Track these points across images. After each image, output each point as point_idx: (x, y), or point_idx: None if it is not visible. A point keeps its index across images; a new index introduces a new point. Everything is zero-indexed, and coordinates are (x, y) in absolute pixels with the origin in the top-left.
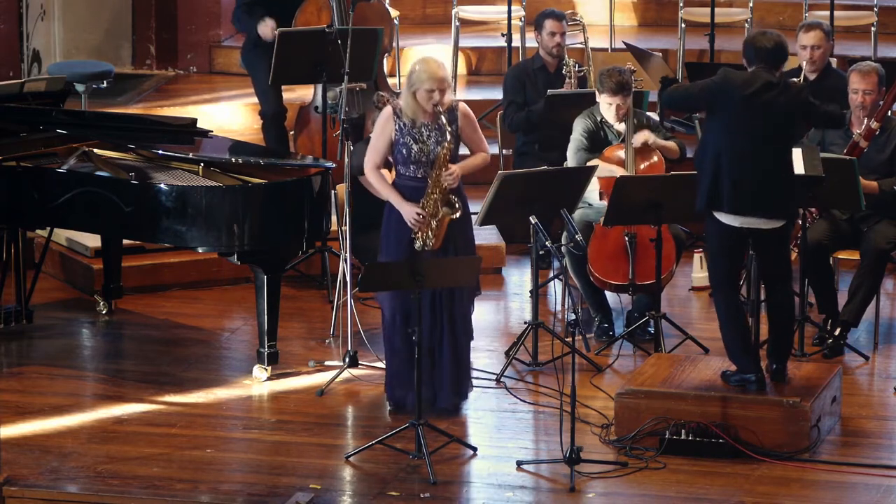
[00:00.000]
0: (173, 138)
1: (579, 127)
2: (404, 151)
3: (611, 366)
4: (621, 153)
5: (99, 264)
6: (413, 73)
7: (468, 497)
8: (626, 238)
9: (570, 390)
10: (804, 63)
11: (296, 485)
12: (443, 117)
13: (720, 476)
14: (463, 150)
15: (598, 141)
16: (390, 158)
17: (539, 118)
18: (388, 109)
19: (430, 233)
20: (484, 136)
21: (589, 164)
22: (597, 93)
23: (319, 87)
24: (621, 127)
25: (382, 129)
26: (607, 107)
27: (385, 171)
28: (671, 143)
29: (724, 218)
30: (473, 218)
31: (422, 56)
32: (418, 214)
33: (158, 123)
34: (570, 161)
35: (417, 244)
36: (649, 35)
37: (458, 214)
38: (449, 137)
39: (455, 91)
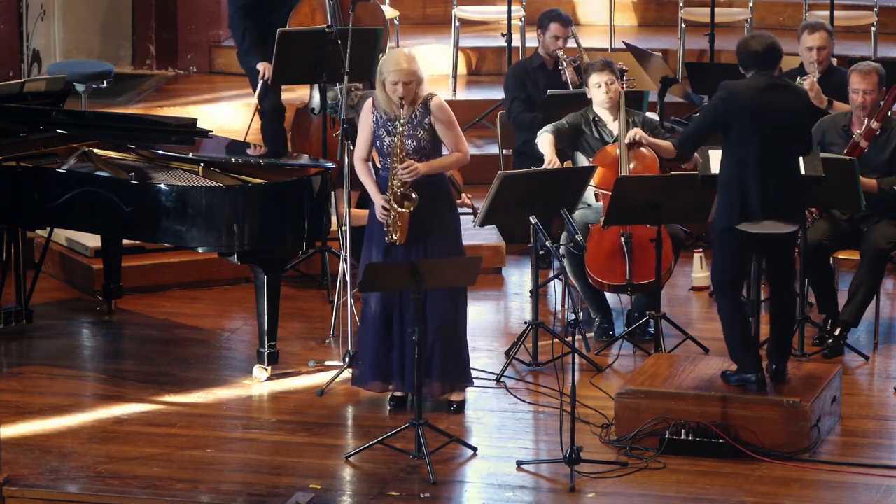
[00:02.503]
0: (173, 138)
1: (567, 117)
2: (378, 143)
3: (611, 366)
4: (612, 154)
5: (99, 264)
6: (381, 63)
7: (468, 497)
8: (622, 238)
9: (570, 390)
10: (814, 64)
11: (296, 485)
12: (403, 112)
13: (720, 476)
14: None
15: (582, 137)
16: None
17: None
18: (368, 101)
19: (393, 227)
20: (462, 134)
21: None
22: (587, 87)
23: (316, 89)
24: (614, 126)
25: (364, 121)
26: (597, 89)
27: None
28: (666, 143)
29: (750, 227)
30: (472, 218)
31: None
32: (384, 208)
33: (158, 123)
34: (538, 135)
35: (387, 238)
36: (649, 35)
37: (412, 208)
38: (401, 129)
39: (455, 91)
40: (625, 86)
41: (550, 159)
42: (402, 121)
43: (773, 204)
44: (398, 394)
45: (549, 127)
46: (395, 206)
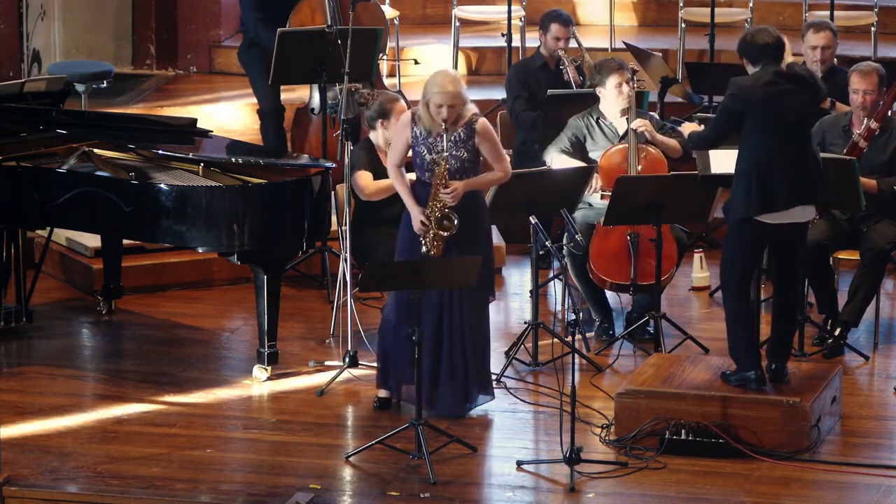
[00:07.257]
0: (173, 138)
1: (570, 129)
2: (417, 159)
3: (611, 366)
4: (622, 153)
5: (99, 264)
6: (427, 83)
7: (468, 497)
8: (629, 238)
9: (570, 390)
10: (817, 63)
11: (296, 485)
12: (444, 136)
13: (720, 476)
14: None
15: (588, 140)
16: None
17: (543, 122)
18: (407, 115)
19: (430, 242)
20: (505, 153)
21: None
22: (599, 88)
23: (316, 89)
24: (620, 123)
25: (401, 133)
26: (618, 91)
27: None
28: (672, 142)
29: (771, 218)
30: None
31: (437, 67)
32: (423, 223)
33: (158, 123)
34: (546, 156)
35: (423, 249)
36: (649, 35)
37: (451, 232)
38: (445, 154)
39: None
40: (635, 86)
41: (581, 164)
42: (445, 144)
43: (799, 189)
44: (383, 395)
45: (555, 149)
46: (435, 228)
